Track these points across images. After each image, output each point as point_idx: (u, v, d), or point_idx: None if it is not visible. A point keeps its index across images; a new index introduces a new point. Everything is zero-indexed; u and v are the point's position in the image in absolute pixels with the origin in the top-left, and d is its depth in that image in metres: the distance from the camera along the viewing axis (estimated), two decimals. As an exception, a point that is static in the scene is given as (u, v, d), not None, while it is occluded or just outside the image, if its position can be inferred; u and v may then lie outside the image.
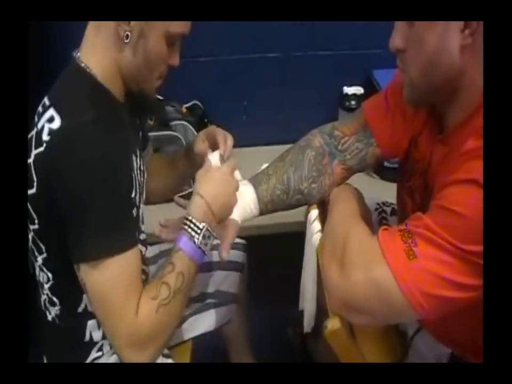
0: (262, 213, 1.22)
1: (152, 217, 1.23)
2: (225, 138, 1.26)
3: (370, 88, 1.92)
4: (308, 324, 1.29)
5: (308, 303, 1.26)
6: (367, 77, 1.99)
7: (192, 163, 1.31)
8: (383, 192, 1.48)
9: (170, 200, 1.33)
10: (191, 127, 1.83)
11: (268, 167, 1.25)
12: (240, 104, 2.10)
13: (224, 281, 1.50)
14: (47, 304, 1.12)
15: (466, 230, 0.82)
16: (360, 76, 2.02)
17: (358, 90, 1.96)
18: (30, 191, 0.99)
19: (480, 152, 0.82)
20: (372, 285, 0.89)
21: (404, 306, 0.87)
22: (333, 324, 0.96)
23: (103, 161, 0.95)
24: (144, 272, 1.10)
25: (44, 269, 1.08)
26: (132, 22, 1.00)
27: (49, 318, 1.14)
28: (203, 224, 1.05)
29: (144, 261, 1.15)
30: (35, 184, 0.99)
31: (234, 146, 2.15)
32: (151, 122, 1.78)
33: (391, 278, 0.87)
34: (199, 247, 1.04)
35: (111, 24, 1.00)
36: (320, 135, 1.24)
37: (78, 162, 0.94)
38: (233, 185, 1.15)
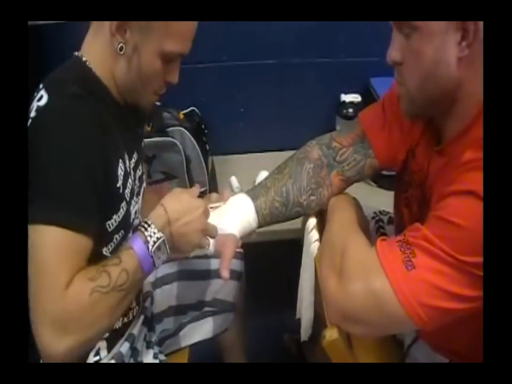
0: (260, 225, 1.22)
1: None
2: None
3: (368, 96, 1.93)
4: (305, 332, 1.29)
5: (305, 311, 1.26)
6: (364, 85, 2.00)
7: None
8: (380, 200, 1.48)
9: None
10: (188, 134, 1.82)
11: (265, 179, 1.25)
12: (237, 111, 2.11)
13: (222, 290, 1.50)
14: None
15: (464, 241, 0.82)
16: (357, 84, 2.02)
17: (356, 98, 1.96)
18: None
19: (478, 163, 0.82)
20: (370, 295, 0.89)
21: (402, 317, 0.87)
22: (331, 334, 0.96)
23: (78, 140, 0.93)
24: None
25: None
26: (127, 34, 0.98)
27: None
28: (161, 234, 0.99)
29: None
30: None
31: (232, 153, 2.17)
32: (149, 129, 1.78)
33: (389, 289, 0.87)
34: (151, 256, 0.97)
35: (107, 32, 0.99)
36: (318, 147, 1.24)
37: (54, 139, 0.92)
38: (199, 213, 1.05)
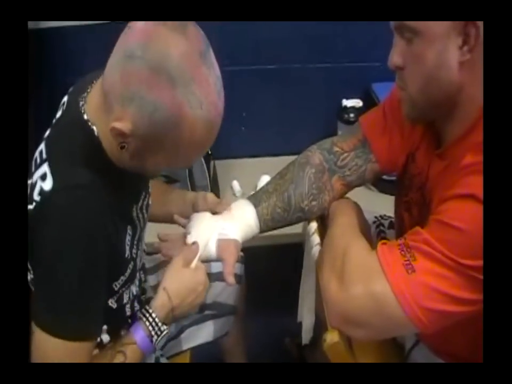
0: (262, 230, 1.22)
1: (152, 227, 1.24)
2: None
3: (369, 101, 1.93)
4: (306, 335, 1.29)
5: (306, 315, 1.27)
6: (366, 90, 2.00)
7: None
8: (381, 204, 1.49)
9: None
10: (190, 138, 1.83)
11: (267, 184, 1.26)
12: (239, 115, 2.11)
13: (222, 293, 1.50)
14: None
15: (465, 244, 0.82)
16: (359, 89, 2.02)
17: (357, 103, 1.97)
18: None
19: (478, 167, 0.83)
20: (370, 298, 0.90)
21: (402, 320, 0.87)
22: (331, 337, 0.97)
23: (80, 232, 0.90)
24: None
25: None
26: (129, 139, 0.88)
27: None
28: (164, 327, 1.06)
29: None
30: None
31: (233, 157, 2.17)
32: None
33: (389, 292, 0.87)
34: (154, 347, 1.06)
35: (111, 120, 0.88)
36: (319, 152, 1.24)
37: (56, 230, 0.90)
38: (201, 285, 1.11)
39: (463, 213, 0.83)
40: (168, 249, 1.21)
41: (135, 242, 1.09)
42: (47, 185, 0.91)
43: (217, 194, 1.90)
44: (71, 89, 1.04)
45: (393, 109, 1.16)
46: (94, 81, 0.99)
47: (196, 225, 1.20)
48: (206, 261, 1.26)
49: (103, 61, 0.94)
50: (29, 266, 0.96)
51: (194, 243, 1.15)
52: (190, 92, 0.84)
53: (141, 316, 1.06)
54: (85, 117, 0.95)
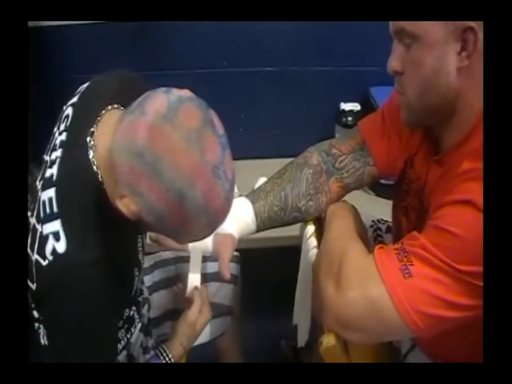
0: (259, 229, 1.22)
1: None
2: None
3: (367, 104, 1.94)
4: (301, 338, 1.29)
5: (302, 318, 1.27)
6: (364, 94, 2.00)
7: None
8: (379, 208, 1.49)
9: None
10: (189, 140, 1.82)
11: (265, 183, 1.26)
12: (237, 117, 2.11)
13: (218, 293, 1.50)
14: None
15: (461, 250, 0.83)
16: (357, 93, 2.03)
17: (355, 106, 1.97)
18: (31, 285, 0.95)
19: (476, 173, 0.83)
20: (367, 302, 0.90)
21: (399, 325, 0.88)
22: (328, 340, 0.97)
23: (94, 310, 0.92)
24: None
25: None
26: (132, 206, 0.86)
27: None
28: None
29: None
30: (35, 284, 0.94)
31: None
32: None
33: (386, 296, 0.87)
34: None
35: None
36: (317, 153, 1.25)
37: (69, 302, 0.91)
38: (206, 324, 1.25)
39: (460, 218, 0.84)
40: (167, 240, 1.21)
41: (140, 277, 1.13)
42: (60, 248, 0.90)
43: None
44: (75, 99, 1.02)
45: (392, 113, 1.16)
46: (104, 111, 0.97)
47: None
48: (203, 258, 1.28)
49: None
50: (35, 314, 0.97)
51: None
52: (199, 210, 0.84)
53: (158, 354, 1.18)
54: (95, 168, 0.93)
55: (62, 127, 1.01)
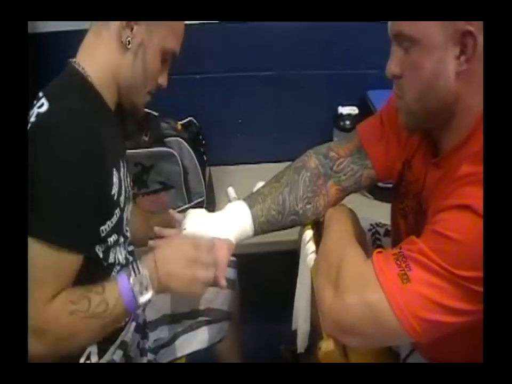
0: (256, 233, 1.22)
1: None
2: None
3: (365, 108, 1.93)
4: (301, 344, 1.29)
5: (301, 323, 1.26)
6: (361, 97, 2.00)
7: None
8: (377, 212, 1.48)
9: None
10: (186, 144, 1.83)
11: (263, 187, 1.26)
12: (235, 122, 2.11)
13: (216, 299, 1.50)
14: None
15: (460, 255, 0.82)
16: (355, 96, 2.02)
17: (353, 110, 1.97)
18: None
19: (474, 177, 0.83)
20: (365, 307, 0.89)
21: (397, 330, 0.87)
22: (326, 345, 0.97)
23: (74, 151, 0.94)
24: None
25: None
26: (134, 29, 1.05)
27: None
28: (145, 271, 1.01)
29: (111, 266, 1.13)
30: None
31: (229, 163, 2.17)
32: (146, 139, 1.78)
33: (384, 301, 0.87)
34: (131, 289, 1.00)
35: (114, 28, 1.05)
36: (315, 156, 1.25)
37: (51, 148, 0.93)
38: (189, 255, 1.06)
39: (458, 223, 0.83)
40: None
41: (122, 191, 1.10)
42: (43, 108, 0.98)
43: (213, 201, 1.90)
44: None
45: (391, 116, 1.16)
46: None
47: (192, 222, 1.20)
48: None
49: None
50: None
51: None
52: None
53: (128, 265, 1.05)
54: (77, 67, 1.06)
55: None
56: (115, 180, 1.06)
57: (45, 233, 0.93)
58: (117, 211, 1.08)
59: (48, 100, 0.99)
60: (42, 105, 0.99)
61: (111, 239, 1.08)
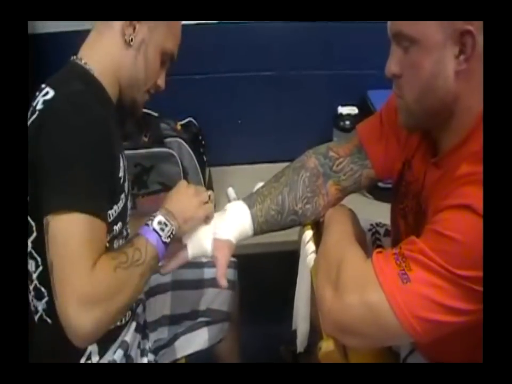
0: (256, 233, 1.22)
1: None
2: None
3: (365, 108, 1.93)
4: (301, 343, 1.29)
5: (301, 323, 1.26)
6: (361, 97, 2.00)
7: None
8: (377, 212, 1.48)
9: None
10: (186, 145, 1.83)
11: (262, 187, 1.26)
12: (234, 122, 2.11)
13: (216, 299, 1.50)
14: (35, 300, 1.10)
15: (460, 255, 0.82)
16: (354, 96, 2.03)
17: (353, 110, 1.97)
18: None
19: (474, 177, 0.83)
20: (365, 307, 0.89)
21: (397, 330, 0.87)
22: (326, 345, 0.97)
23: (88, 128, 0.98)
24: None
25: (33, 252, 1.06)
26: (137, 28, 1.09)
27: (36, 318, 1.11)
28: (158, 215, 1.09)
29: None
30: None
31: (229, 164, 2.17)
32: (146, 139, 1.78)
33: (384, 301, 0.87)
34: (153, 229, 1.07)
35: (116, 27, 1.09)
36: (314, 156, 1.25)
37: (66, 126, 0.97)
38: (198, 199, 1.17)
39: (458, 223, 0.83)
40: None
41: (126, 178, 1.14)
42: (49, 95, 1.02)
43: (213, 202, 1.89)
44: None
45: (390, 115, 1.16)
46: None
47: None
48: (197, 264, 1.27)
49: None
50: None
51: None
52: None
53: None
54: (80, 62, 1.10)
55: None
56: (121, 164, 1.11)
57: (74, 204, 0.95)
58: (122, 196, 1.11)
59: (53, 87, 1.03)
60: (47, 93, 1.02)
61: (117, 227, 1.11)
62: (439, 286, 0.84)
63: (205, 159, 1.93)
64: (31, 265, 1.08)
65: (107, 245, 1.06)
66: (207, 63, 1.98)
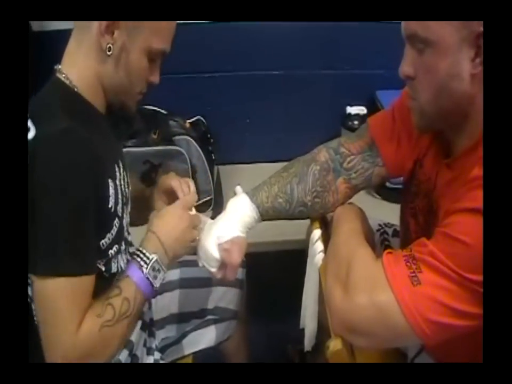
0: (263, 218, 1.22)
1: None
2: (180, 184, 1.24)
3: (373, 108, 1.93)
4: (308, 342, 1.29)
5: (309, 321, 1.26)
6: (370, 97, 2.00)
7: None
8: (385, 212, 1.48)
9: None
10: (194, 143, 1.83)
11: (270, 177, 1.26)
12: (243, 121, 2.11)
13: (223, 298, 1.50)
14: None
15: (470, 259, 0.82)
16: (363, 96, 2.03)
17: (361, 110, 1.97)
18: None
19: None
20: (375, 308, 0.89)
21: (406, 331, 0.87)
22: (335, 344, 0.96)
23: (65, 171, 0.92)
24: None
25: None
26: (115, 34, 1.01)
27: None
28: (153, 255, 1.06)
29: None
30: None
31: (237, 162, 2.17)
32: (155, 137, 1.79)
33: (394, 303, 0.87)
34: (147, 278, 1.04)
35: (93, 35, 1.01)
36: (325, 150, 1.24)
37: (41, 170, 0.91)
38: (186, 220, 1.14)
39: (470, 227, 0.83)
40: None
41: (119, 201, 1.08)
42: (30, 135, 0.95)
43: (221, 200, 1.90)
44: None
45: (403, 113, 1.15)
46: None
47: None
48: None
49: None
50: None
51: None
52: None
53: (133, 256, 1.07)
54: (62, 76, 1.04)
55: None
56: (111, 191, 1.04)
57: (57, 268, 0.93)
58: (116, 222, 1.06)
59: (34, 123, 0.97)
60: (29, 129, 0.96)
61: (112, 251, 1.06)
62: (448, 289, 0.84)
63: (213, 157, 1.93)
64: None
65: (103, 268, 1.04)
66: (216, 62, 1.98)
